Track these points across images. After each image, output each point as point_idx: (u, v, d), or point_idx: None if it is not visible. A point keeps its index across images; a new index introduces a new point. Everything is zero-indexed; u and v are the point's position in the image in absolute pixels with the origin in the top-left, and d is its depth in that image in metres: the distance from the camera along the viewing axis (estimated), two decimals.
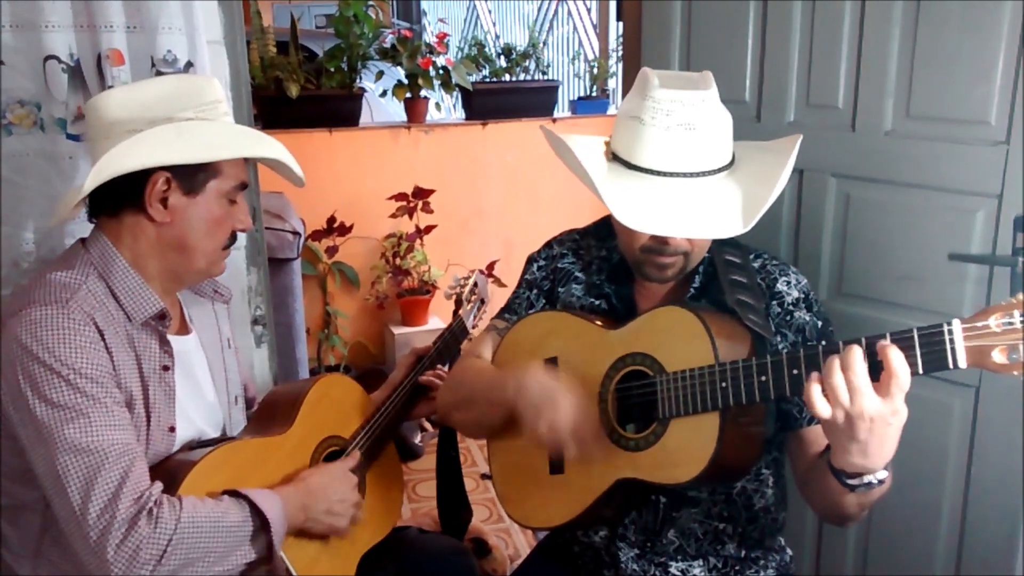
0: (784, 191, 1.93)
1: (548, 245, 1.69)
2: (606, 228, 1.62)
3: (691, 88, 1.35)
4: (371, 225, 4.08)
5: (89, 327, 1.32)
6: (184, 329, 1.56)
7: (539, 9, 7.08)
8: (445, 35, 4.33)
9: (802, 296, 1.47)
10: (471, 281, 2.11)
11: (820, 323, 1.46)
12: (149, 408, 1.40)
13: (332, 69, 4.02)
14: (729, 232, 1.33)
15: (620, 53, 4.62)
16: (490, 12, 8.41)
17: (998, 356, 1.02)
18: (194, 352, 1.56)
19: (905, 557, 1.84)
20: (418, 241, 4.07)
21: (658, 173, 1.36)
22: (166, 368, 1.44)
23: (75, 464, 1.24)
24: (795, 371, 1.17)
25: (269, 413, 1.62)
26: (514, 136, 4.35)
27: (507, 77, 4.58)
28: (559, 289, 1.62)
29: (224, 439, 1.54)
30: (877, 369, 1.10)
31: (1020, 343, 1.01)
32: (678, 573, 1.48)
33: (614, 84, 4.97)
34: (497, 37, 7.88)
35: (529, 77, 4.63)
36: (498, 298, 2.14)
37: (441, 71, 4.16)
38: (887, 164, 1.77)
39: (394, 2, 9.49)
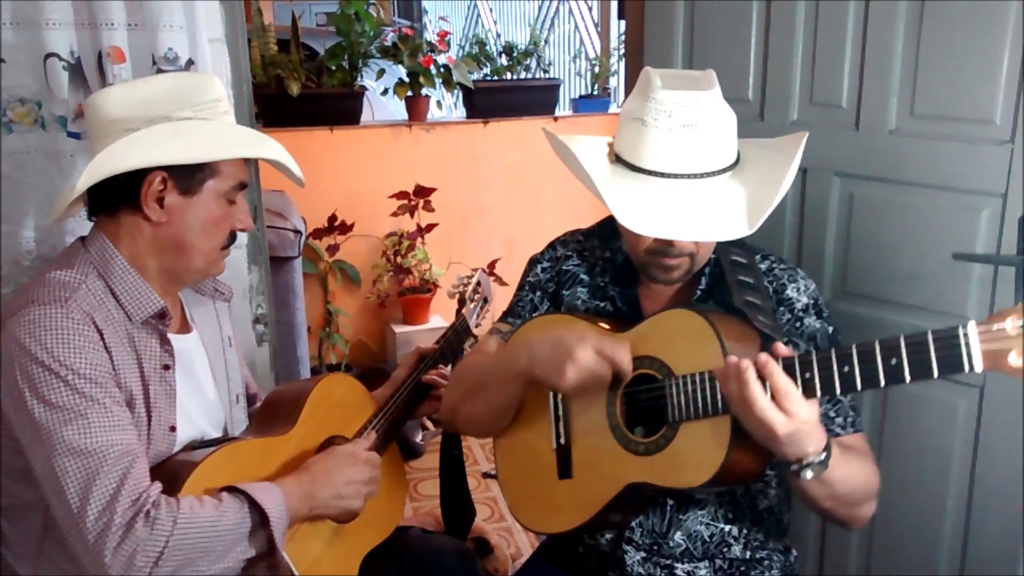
0: (787, 190, 1.94)
1: (551, 246, 1.67)
2: (610, 228, 1.61)
3: (694, 88, 1.34)
4: (372, 223, 4.08)
5: (88, 327, 1.31)
6: (185, 328, 1.56)
7: (540, 7, 7.07)
8: (446, 33, 4.32)
9: (811, 302, 1.47)
10: (474, 280, 2.10)
11: (831, 329, 1.46)
12: (150, 408, 1.39)
13: (333, 67, 4.01)
14: (734, 234, 1.33)
15: (622, 51, 4.61)
16: (491, 10, 8.40)
17: (1014, 359, 1.01)
18: (195, 351, 1.56)
19: (909, 557, 1.83)
20: (419, 239, 4.07)
21: (661, 175, 1.35)
22: (167, 367, 1.43)
23: (73, 466, 1.23)
24: (807, 375, 1.17)
25: (271, 413, 1.61)
26: (515, 134, 4.34)
27: (508, 75, 4.57)
28: (564, 292, 1.60)
29: (226, 439, 1.54)
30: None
31: None
32: (683, 575, 1.48)
33: (615, 83, 4.96)
34: (498, 35, 7.87)
35: (530, 75, 4.63)
36: (499, 297, 2.14)
37: (442, 69, 4.16)
38: (891, 163, 1.76)
39: (395, 0, 9.48)
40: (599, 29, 5.70)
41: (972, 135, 1.64)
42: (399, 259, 4.08)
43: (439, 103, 4.43)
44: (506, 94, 4.47)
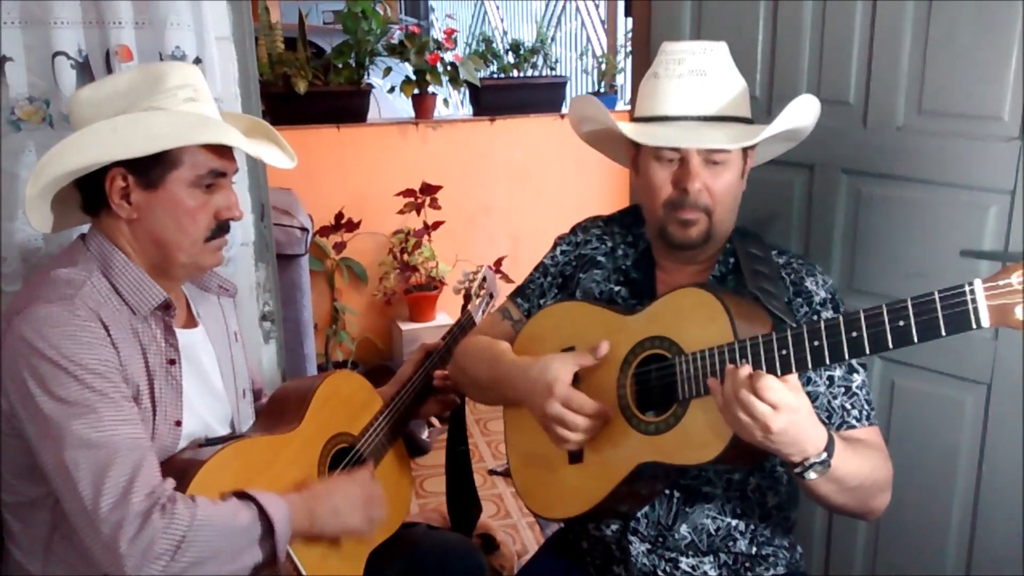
0: (794, 187, 1.95)
1: (573, 231, 1.70)
2: (631, 215, 1.65)
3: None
4: (379, 221, 4.08)
5: (95, 323, 1.31)
6: (191, 323, 1.56)
7: (547, 5, 7.06)
8: (453, 31, 4.33)
9: (829, 296, 1.47)
10: (480, 276, 2.11)
11: None
12: (155, 402, 1.39)
13: (340, 65, 4.02)
14: (739, 142, 1.40)
15: (628, 49, 4.60)
16: (498, 8, 8.39)
17: (1021, 313, 1.01)
18: (201, 345, 1.56)
19: (915, 555, 1.83)
20: (426, 237, 4.07)
21: (674, 118, 1.42)
22: (172, 362, 1.43)
23: (85, 458, 1.23)
24: (816, 343, 1.17)
25: (278, 410, 1.62)
26: (522, 132, 4.34)
27: (515, 73, 4.58)
28: (580, 275, 1.62)
29: (233, 436, 1.54)
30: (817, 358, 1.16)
31: None
32: (688, 569, 1.48)
33: (622, 80, 4.96)
34: (505, 33, 7.86)
35: (537, 73, 4.63)
36: (505, 293, 2.14)
37: (449, 67, 4.16)
38: (899, 160, 1.76)
39: None
40: (606, 26, 5.69)
41: (980, 132, 1.63)
42: (405, 256, 4.08)
43: (446, 101, 4.44)
44: (513, 92, 4.47)
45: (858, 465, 1.30)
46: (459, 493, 1.96)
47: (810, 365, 1.18)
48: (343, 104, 4.06)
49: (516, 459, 1.61)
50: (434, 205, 4.00)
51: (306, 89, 3.85)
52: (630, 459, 1.38)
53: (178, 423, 1.43)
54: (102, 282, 1.38)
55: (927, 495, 1.78)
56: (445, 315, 4.16)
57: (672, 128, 1.43)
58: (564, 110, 4.66)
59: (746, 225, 1.59)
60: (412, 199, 3.98)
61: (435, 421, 1.95)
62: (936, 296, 1.07)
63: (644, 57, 2.28)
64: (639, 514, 1.48)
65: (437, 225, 4.06)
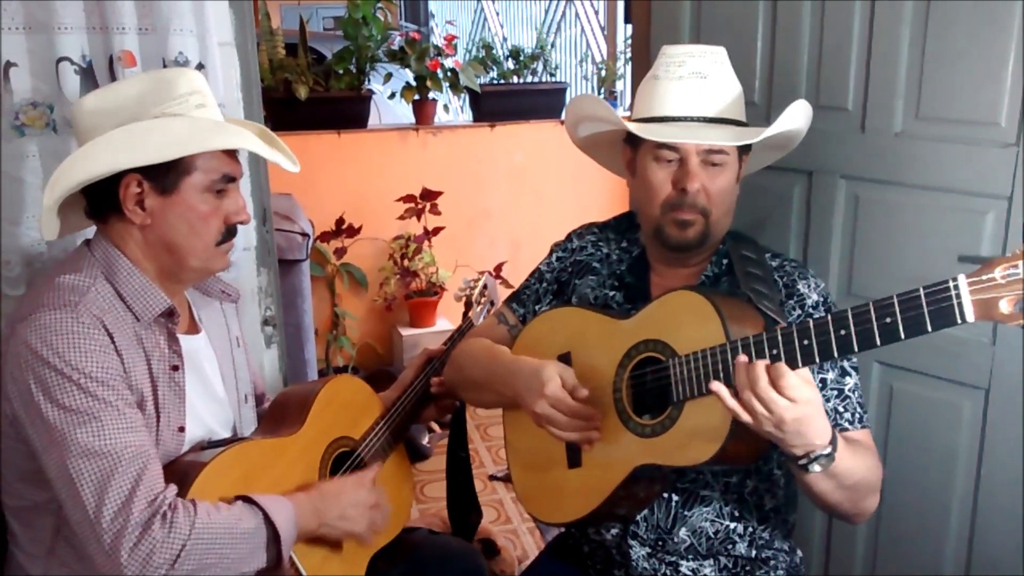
0: (793, 192, 1.95)
1: (568, 238, 1.72)
2: (625, 222, 1.67)
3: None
4: (379, 226, 4.09)
5: (99, 330, 1.32)
6: (194, 329, 1.57)
7: (547, 11, 7.09)
8: (453, 37, 4.34)
9: (821, 299, 1.48)
10: (481, 283, 2.12)
11: None
12: (159, 408, 1.40)
13: (340, 71, 4.03)
14: (738, 139, 1.42)
15: (628, 55, 4.62)
16: (498, 14, 8.41)
17: (1005, 307, 1.02)
18: (204, 351, 1.57)
19: (915, 558, 1.84)
20: (426, 242, 4.08)
21: (674, 119, 1.44)
22: (175, 368, 1.44)
23: (88, 467, 1.24)
24: (806, 342, 1.18)
25: (280, 413, 1.62)
26: (522, 138, 4.36)
27: (515, 79, 4.59)
28: (576, 281, 1.64)
29: (235, 439, 1.55)
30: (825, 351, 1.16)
31: None
32: (688, 572, 1.49)
33: (622, 86, 4.97)
34: (505, 39, 7.88)
35: (537, 79, 4.65)
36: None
37: (449, 73, 4.18)
38: (897, 166, 1.77)
39: (402, 4, 9.50)
40: (605, 33, 5.71)
41: (977, 138, 1.64)
42: (406, 262, 4.09)
43: (446, 107, 4.45)
44: (513, 98, 4.48)
45: (855, 463, 1.31)
46: (460, 498, 1.96)
47: (800, 364, 1.19)
48: (344, 110, 4.07)
49: (516, 464, 1.62)
50: (434, 211, 4.01)
51: (307, 95, 3.86)
52: (627, 462, 1.39)
53: (181, 429, 1.44)
54: (106, 288, 1.38)
55: (926, 499, 1.79)
56: (445, 320, 4.17)
57: (674, 127, 1.44)
58: (563, 116, 4.67)
59: (746, 230, 1.60)
60: (412, 205, 3.99)
61: (436, 426, 1.96)
62: (921, 292, 1.08)
63: (644, 62, 2.28)
64: (639, 518, 1.49)
65: (437, 231, 4.06)
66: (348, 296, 4.15)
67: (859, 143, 1.83)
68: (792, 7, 1.91)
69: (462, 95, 4.42)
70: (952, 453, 1.75)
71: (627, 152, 1.55)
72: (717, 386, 1.22)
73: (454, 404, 1.83)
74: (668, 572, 1.49)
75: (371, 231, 4.06)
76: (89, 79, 1.79)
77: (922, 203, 1.74)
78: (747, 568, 1.50)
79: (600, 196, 4.28)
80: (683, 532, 1.48)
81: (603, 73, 4.90)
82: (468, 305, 2.08)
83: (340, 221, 3.92)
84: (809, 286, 1.49)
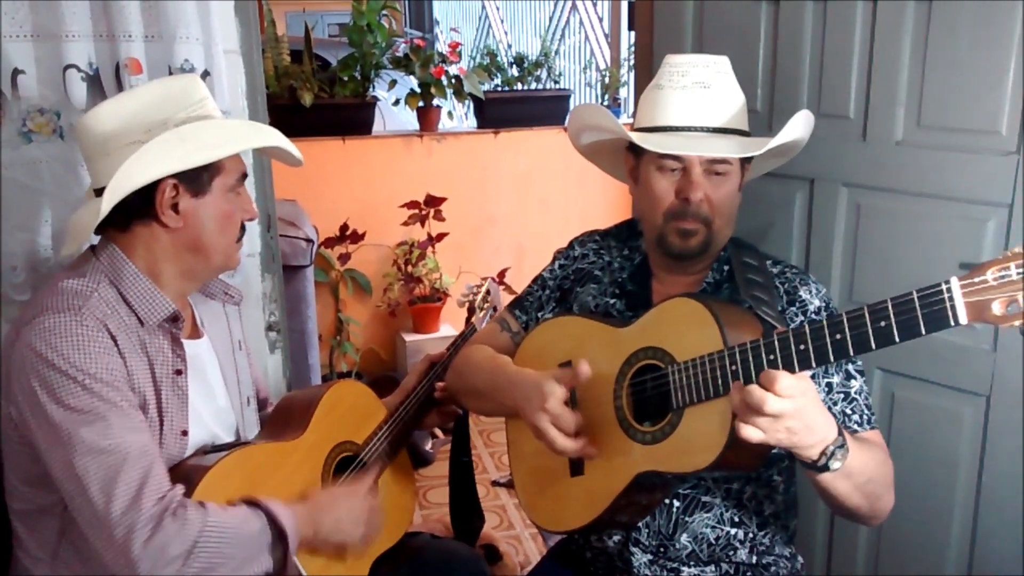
0: (795, 200, 1.96)
1: (570, 245, 1.72)
2: (627, 229, 1.68)
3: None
4: (383, 233, 4.10)
5: (102, 333, 1.33)
6: (196, 333, 1.58)
7: (551, 18, 7.11)
8: (458, 44, 4.35)
9: (823, 305, 1.49)
10: (484, 289, 2.13)
11: None
12: (162, 412, 1.41)
13: (345, 78, 4.05)
14: (741, 150, 1.42)
15: (632, 62, 4.63)
16: (502, 21, 8.44)
17: (997, 308, 1.03)
18: (206, 355, 1.58)
19: (916, 565, 1.84)
20: (430, 249, 4.09)
21: (677, 129, 1.44)
22: (179, 372, 1.45)
23: (95, 465, 1.25)
24: (802, 346, 1.18)
25: (283, 418, 1.63)
26: (526, 144, 4.37)
27: (519, 86, 4.61)
28: (577, 288, 1.64)
29: (238, 443, 1.56)
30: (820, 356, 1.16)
31: (1019, 294, 1.02)
32: None
33: (625, 93, 4.98)
34: (509, 46, 7.90)
35: (541, 86, 4.66)
36: None
37: (453, 80, 4.19)
38: (898, 174, 1.77)
39: (407, 11, 9.54)
40: (609, 40, 5.72)
41: (978, 146, 1.65)
42: (410, 268, 4.10)
43: (450, 113, 4.46)
44: (517, 104, 4.49)
45: (867, 459, 1.31)
46: (462, 504, 1.97)
47: (797, 368, 1.19)
48: (348, 116, 4.08)
49: (519, 472, 1.63)
50: (438, 217, 4.02)
51: (312, 102, 3.87)
52: (629, 470, 1.39)
53: (185, 433, 1.45)
54: (110, 292, 1.40)
55: (927, 506, 1.79)
56: (449, 326, 4.18)
57: (677, 138, 1.45)
58: (567, 124, 4.68)
59: (748, 237, 1.61)
60: (416, 211, 4.00)
61: (439, 432, 1.97)
62: (915, 295, 1.08)
63: (647, 70, 2.30)
64: (640, 524, 1.50)
65: (441, 237, 4.07)
66: (352, 302, 4.16)
67: (861, 151, 1.83)
68: (794, 16, 1.92)
69: (466, 102, 4.43)
70: (953, 460, 1.75)
71: (630, 160, 1.56)
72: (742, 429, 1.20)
73: (457, 411, 1.84)
74: None
75: (375, 237, 4.07)
76: (96, 86, 1.81)
77: (923, 211, 1.74)
78: (748, 574, 1.51)
79: (604, 203, 4.29)
80: (684, 538, 1.48)
81: (607, 80, 4.91)
82: (471, 311, 2.08)
83: (344, 227, 3.93)
84: (811, 292, 1.50)
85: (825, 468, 1.24)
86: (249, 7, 2.05)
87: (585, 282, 1.65)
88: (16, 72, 1.75)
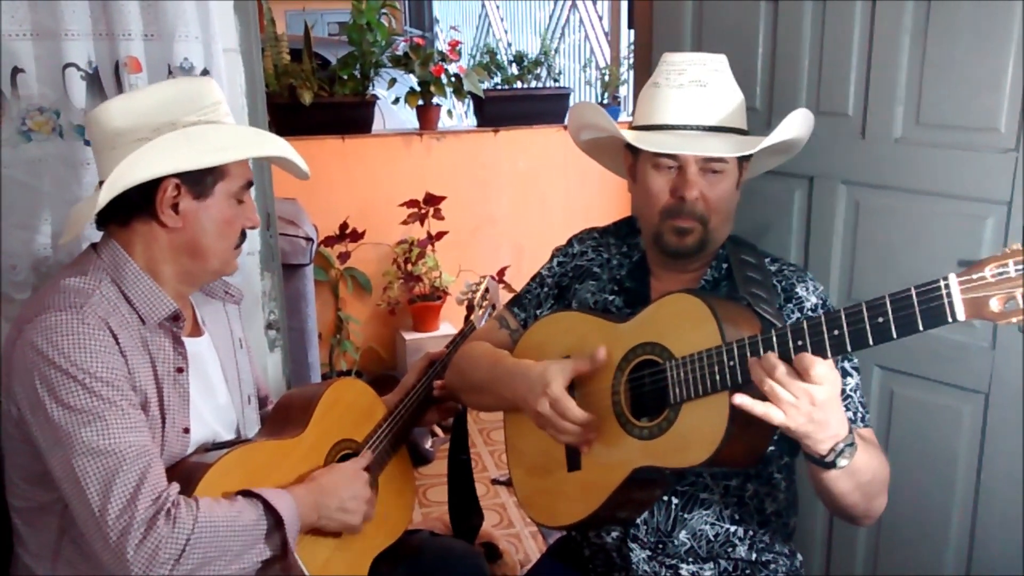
0: (794, 197, 1.96)
1: (569, 243, 1.73)
2: (626, 226, 1.68)
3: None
4: (383, 231, 4.11)
5: (104, 331, 1.34)
6: (197, 331, 1.58)
7: (551, 16, 7.11)
8: (457, 43, 4.35)
9: (820, 302, 1.49)
10: (482, 287, 2.13)
11: None
12: (164, 410, 1.41)
13: (345, 76, 4.05)
14: (737, 149, 1.42)
15: (631, 60, 4.63)
16: (502, 20, 8.44)
17: (995, 305, 1.03)
18: (207, 353, 1.58)
19: (915, 563, 1.84)
20: (429, 247, 4.09)
21: (674, 127, 1.45)
22: (180, 370, 1.45)
23: (93, 466, 1.26)
24: (799, 342, 1.18)
25: (283, 416, 1.64)
26: (526, 143, 4.37)
27: (519, 84, 4.61)
28: (576, 286, 1.65)
29: (239, 441, 1.56)
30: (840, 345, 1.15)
31: (1017, 291, 1.02)
32: (688, 575, 1.50)
33: (625, 91, 4.98)
34: (509, 44, 7.90)
35: (541, 84, 4.66)
36: None
37: (453, 78, 4.19)
38: (897, 171, 1.78)
39: (406, 10, 9.53)
40: (609, 38, 5.72)
41: (977, 143, 1.65)
42: (409, 266, 4.10)
43: (450, 112, 4.46)
44: (516, 103, 4.49)
45: (869, 458, 1.31)
46: (461, 501, 1.97)
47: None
48: (348, 115, 4.08)
49: (517, 469, 1.63)
50: (438, 215, 4.02)
51: (311, 100, 3.87)
52: (626, 465, 1.40)
53: (186, 430, 1.45)
54: (112, 291, 1.40)
55: (926, 504, 1.79)
56: (449, 325, 4.18)
57: (673, 136, 1.45)
58: (567, 121, 4.68)
59: (747, 235, 1.61)
60: (416, 209, 4.00)
61: (438, 431, 1.97)
62: (913, 292, 1.09)
63: (646, 68, 2.30)
64: (639, 521, 1.50)
65: (441, 235, 4.08)
66: (352, 300, 4.16)
67: (859, 149, 1.84)
68: (793, 14, 1.92)
69: (466, 100, 4.43)
70: (952, 457, 1.76)
71: (628, 157, 1.56)
72: (741, 398, 1.20)
73: (456, 407, 1.84)
74: (668, 575, 1.50)
75: (375, 236, 4.07)
76: (95, 85, 1.81)
77: (922, 208, 1.75)
78: (747, 571, 1.51)
79: (603, 201, 4.30)
80: (683, 535, 1.49)
81: (606, 78, 4.91)
82: (470, 308, 2.09)
83: (344, 226, 3.93)
84: (807, 289, 1.50)
85: (832, 465, 1.24)
86: (248, 6, 2.05)
87: (584, 279, 1.65)
88: (16, 71, 1.75)
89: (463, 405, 1.83)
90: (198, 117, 1.42)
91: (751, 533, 1.50)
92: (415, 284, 4.10)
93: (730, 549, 1.50)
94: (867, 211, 1.85)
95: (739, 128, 1.49)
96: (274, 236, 2.17)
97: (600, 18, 6.27)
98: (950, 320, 1.06)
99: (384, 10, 4.11)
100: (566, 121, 4.60)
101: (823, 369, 1.15)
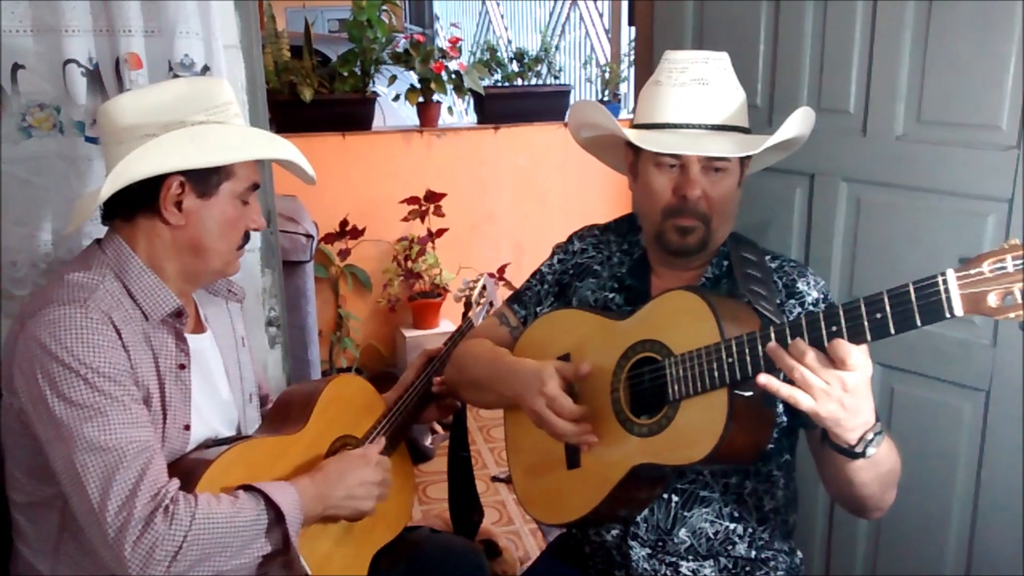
0: (795, 195, 1.96)
1: (570, 240, 1.73)
2: (626, 224, 1.68)
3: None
4: (383, 228, 4.11)
5: (107, 326, 1.34)
6: (199, 328, 1.58)
7: (551, 13, 7.11)
8: (458, 40, 4.35)
9: (821, 296, 1.50)
10: (480, 284, 2.13)
11: None
12: (165, 406, 1.41)
13: (345, 73, 4.05)
14: (742, 150, 1.42)
15: (632, 58, 4.62)
16: (502, 16, 8.44)
17: (993, 300, 1.03)
18: (209, 351, 1.58)
19: (915, 560, 1.84)
20: (430, 244, 4.09)
21: (676, 126, 1.44)
22: (182, 367, 1.45)
23: (94, 462, 1.26)
24: (798, 339, 1.18)
25: (283, 412, 1.64)
26: (526, 140, 4.37)
27: (519, 81, 4.61)
28: (576, 283, 1.65)
29: (239, 437, 1.56)
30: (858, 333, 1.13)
31: (1015, 287, 1.02)
32: (688, 573, 1.49)
33: (626, 89, 4.98)
34: (509, 41, 7.90)
35: (541, 81, 4.65)
36: None
37: (454, 75, 4.19)
38: (898, 168, 1.78)
39: (407, 7, 9.53)
40: (609, 35, 5.72)
41: (978, 141, 1.65)
42: (409, 264, 4.10)
43: (450, 109, 4.46)
44: (517, 100, 4.49)
45: (888, 448, 1.30)
46: (461, 498, 1.97)
47: None
48: (348, 112, 4.09)
49: (517, 466, 1.63)
50: (438, 213, 4.02)
51: (312, 97, 3.87)
52: (625, 462, 1.40)
53: (187, 427, 1.45)
54: (115, 286, 1.40)
55: (926, 501, 1.79)
56: (448, 322, 4.18)
57: (675, 135, 1.45)
58: (568, 119, 4.67)
59: (748, 232, 1.61)
60: (416, 207, 4.00)
61: (438, 428, 1.97)
62: (911, 287, 1.08)
63: (647, 65, 2.30)
64: (639, 518, 1.50)
65: (441, 232, 4.08)
66: (352, 298, 4.16)
67: (861, 146, 1.84)
68: (794, 11, 1.92)
69: (466, 97, 4.43)
70: (953, 455, 1.76)
71: (629, 155, 1.56)
72: (766, 378, 1.18)
73: (456, 404, 1.84)
74: (668, 573, 1.50)
75: (375, 233, 4.07)
76: (96, 81, 1.81)
77: (923, 206, 1.75)
78: (747, 569, 1.51)
79: (604, 198, 4.29)
80: (683, 533, 1.49)
81: (607, 75, 4.91)
82: (468, 305, 2.09)
83: (344, 223, 3.93)
84: (808, 284, 1.50)
85: (862, 454, 1.22)
86: (249, 3, 2.04)
87: (584, 277, 1.65)
88: (16, 67, 1.75)
89: (463, 402, 1.83)
90: (207, 116, 1.43)
91: (750, 531, 1.50)
92: (415, 281, 4.10)
93: (730, 547, 1.50)
94: (868, 208, 1.85)
95: (741, 127, 1.48)
96: (274, 233, 2.17)
97: (601, 15, 6.28)
98: (948, 316, 1.06)
99: (384, 7, 4.10)
100: (566, 119, 4.61)
101: (859, 357, 1.13)
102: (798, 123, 1.50)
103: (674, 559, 1.49)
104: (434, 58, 4.15)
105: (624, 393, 1.42)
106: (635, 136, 1.46)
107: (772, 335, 1.20)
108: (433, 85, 4.15)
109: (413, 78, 4.23)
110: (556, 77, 4.77)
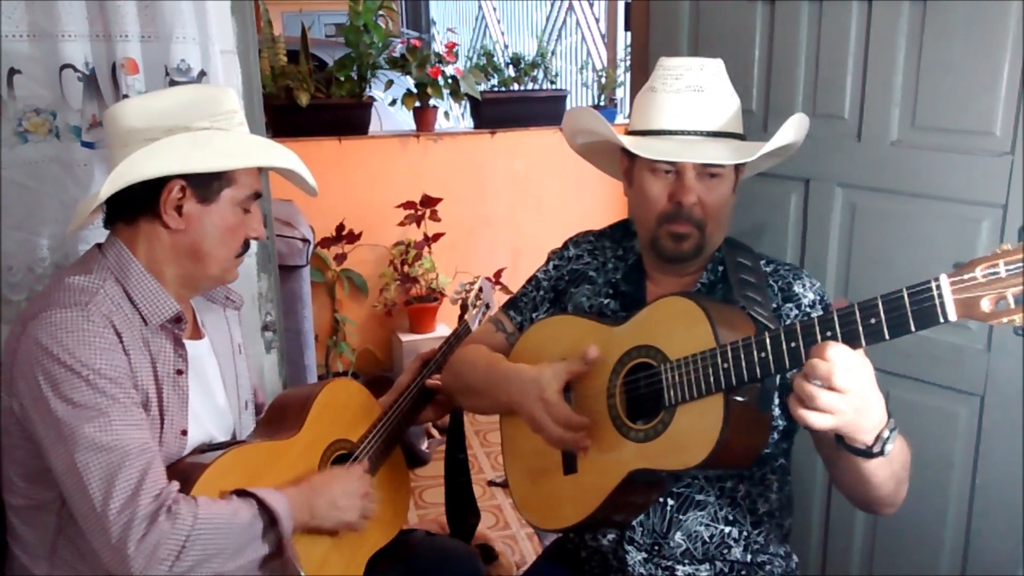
0: (790, 200, 1.97)
1: (565, 246, 1.73)
2: (621, 230, 1.68)
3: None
4: (379, 233, 4.11)
5: (108, 329, 1.34)
6: (197, 334, 1.59)
7: (547, 18, 7.12)
8: (454, 44, 4.36)
9: (818, 298, 1.50)
10: (476, 287, 2.14)
11: None
12: (163, 411, 1.42)
13: (342, 78, 4.05)
14: (737, 157, 1.42)
15: (628, 62, 4.64)
16: (499, 22, 8.45)
17: (986, 305, 1.04)
18: (206, 357, 1.58)
19: (911, 564, 1.84)
20: (426, 249, 4.10)
21: (671, 132, 1.44)
22: (180, 372, 1.46)
23: (95, 461, 1.26)
24: (792, 344, 1.19)
25: (278, 416, 1.64)
26: (522, 145, 4.37)
27: (515, 86, 4.61)
28: (572, 289, 1.65)
29: (235, 442, 1.56)
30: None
31: (1008, 292, 1.02)
32: None
33: (622, 93, 4.99)
34: (506, 46, 7.91)
35: (537, 86, 4.67)
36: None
37: (450, 80, 4.19)
38: (893, 174, 1.78)
39: (403, 12, 9.54)
40: (606, 40, 5.74)
41: (972, 146, 1.65)
42: (406, 268, 4.10)
43: (447, 114, 4.47)
44: (513, 105, 4.50)
45: (901, 444, 1.30)
46: (458, 501, 1.97)
47: (787, 366, 1.20)
48: (345, 116, 4.09)
49: (513, 471, 1.63)
50: (434, 217, 4.03)
51: (308, 102, 3.88)
52: (621, 467, 1.40)
53: (184, 432, 1.45)
54: (115, 290, 1.41)
55: (922, 505, 1.79)
56: (445, 326, 4.18)
57: (670, 142, 1.45)
58: (563, 125, 4.68)
59: (743, 238, 1.62)
60: (413, 211, 4.01)
61: (435, 432, 1.97)
62: (904, 293, 1.09)
63: (643, 70, 2.30)
64: (634, 523, 1.50)
65: (437, 237, 4.08)
66: (348, 302, 4.16)
67: (855, 152, 1.84)
68: (789, 16, 1.92)
69: (463, 102, 4.44)
70: (948, 459, 1.76)
71: (624, 161, 1.56)
72: (798, 413, 1.15)
73: (452, 403, 1.84)
74: None
75: (371, 237, 4.07)
76: (92, 86, 1.81)
77: (918, 211, 1.75)
78: (743, 572, 1.51)
79: (600, 203, 4.30)
80: (679, 536, 1.49)
81: (603, 80, 4.92)
82: (464, 308, 2.09)
83: (341, 227, 3.93)
84: (804, 286, 1.51)
85: (880, 452, 1.21)
86: (245, 7, 2.05)
87: (579, 283, 1.65)
88: (12, 72, 1.76)
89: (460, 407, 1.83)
90: (210, 123, 1.44)
91: (745, 534, 1.50)
92: (411, 286, 4.10)
93: (725, 551, 1.50)
94: (863, 214, 1.86)
95: (736, 133, 1.49)
96: (271, 237, 2.17)
97: (597, 20, 6.29)
98: (941, 320, 1.07)
99: (381, 12, 4.11)
100: (562, 124, 4.62)
101: (854, 360, 1.13)
102: (793, 130, 1.51)
103: (670, 563, 1.49)
104: (431, 63, 4.16)
105: (620, 399, 1.43)
106: (630, 143, 1.46)
107: (767, 340, 1.21)
108: (429, 90, 4.16)
109: (409, 83, 4.24)
110: (552, 82, 4.78)
